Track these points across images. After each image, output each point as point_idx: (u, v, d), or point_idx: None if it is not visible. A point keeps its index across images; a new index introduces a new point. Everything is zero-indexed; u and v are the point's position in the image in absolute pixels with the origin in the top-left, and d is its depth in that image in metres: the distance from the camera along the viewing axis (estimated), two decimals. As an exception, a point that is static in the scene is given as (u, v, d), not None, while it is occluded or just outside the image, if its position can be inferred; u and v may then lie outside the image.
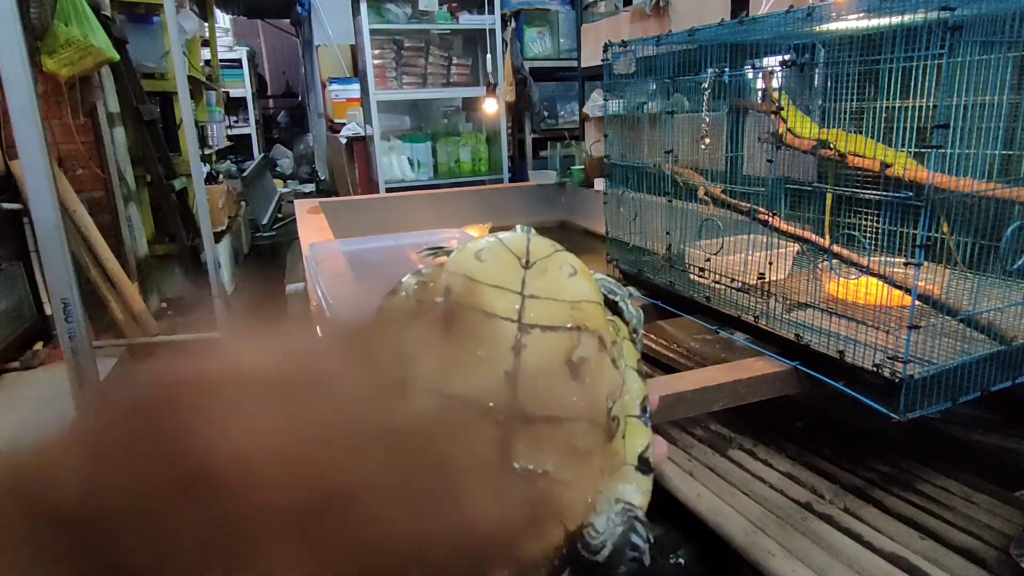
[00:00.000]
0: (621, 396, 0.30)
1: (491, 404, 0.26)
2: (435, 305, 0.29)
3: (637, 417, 0.30)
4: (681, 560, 1.10)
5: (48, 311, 2.43)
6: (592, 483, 0.27)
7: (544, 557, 0.26)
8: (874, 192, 1.00)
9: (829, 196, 1.13)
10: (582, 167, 3.58)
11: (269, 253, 4.50)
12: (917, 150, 0.94)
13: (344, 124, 4.84)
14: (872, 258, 1.07)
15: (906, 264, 0.99)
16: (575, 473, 0.26)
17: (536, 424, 0.26)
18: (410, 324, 0.29)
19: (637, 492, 0.29)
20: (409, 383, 0.27)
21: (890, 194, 0.97)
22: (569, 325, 0.29)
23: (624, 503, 0.28)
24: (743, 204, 1.30)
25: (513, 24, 4.17)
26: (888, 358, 0.99)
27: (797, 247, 1.26)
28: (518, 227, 0.33)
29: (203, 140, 3.94)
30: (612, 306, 0.33)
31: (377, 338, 0.30)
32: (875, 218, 1.03)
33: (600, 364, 0.28)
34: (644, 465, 0.29)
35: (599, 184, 3.31)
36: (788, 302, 1.23)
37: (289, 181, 7.54)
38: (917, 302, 0.97)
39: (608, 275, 0.35)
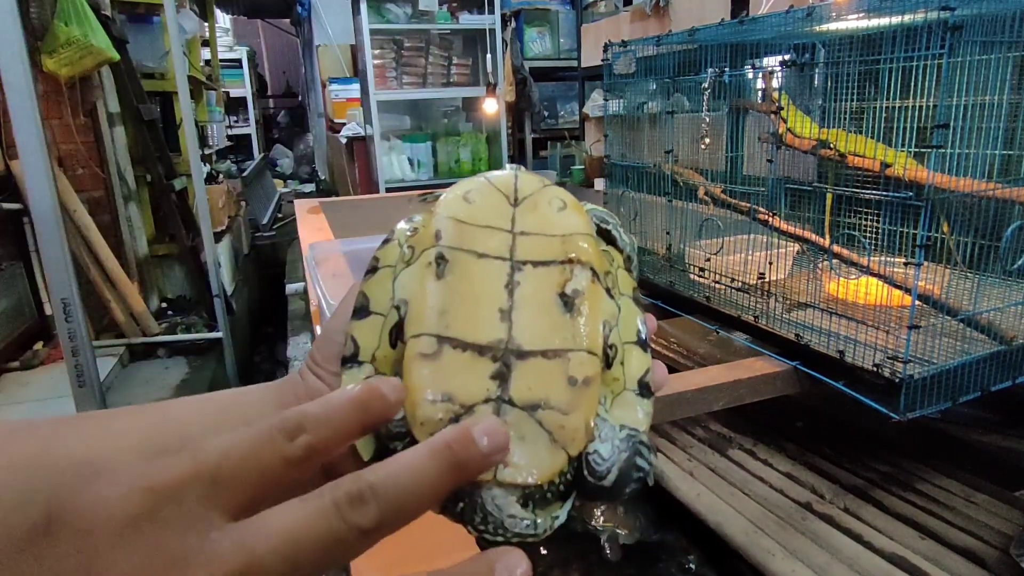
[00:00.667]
0: (617, 324, 0.30)
1: (488, 342, 0.27)
2: (427, 251, 0.29)
3: (635, 343, 0.30)
4: (691, 566, 1.10)
5: (48, 311, 2.43)
6: (591, 409, 0.27)
7: (549, 483, 0.26)
8: (874, 192, 1.00)
9: (829, 196, 1.13)
10: (582, 167, 3.59)
11: (269, 253, 4.50)
12: (917, 150, 0.94)
13: (344, 124, 4.85)
14: (872, 258, 1.07)
15: (906, 264, 0.99)
16: (573, 401, 0.27)
17: (533, 358, 0.27)
18: (404, 271, 0.30)
19: (640, 416, 0.29)
20: (408, 329, 0.28)
21: (890, 194, 0.97)
22: (561, 259, 0.29)
23: (628, 428, 0.28)
24: (743, 204, 1.30)
25: (513, 24, 4.17)
26: (888, 358, 0.99)
27: (797, 247, 1.26)
28: (507, 165, 0.34)
29: (203, 140, 3.94)
30: (606, 235, 0.33)
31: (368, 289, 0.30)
32: (875, 218, 1.03)
33: (594, 295, 0.29)
34: (644, 389, 0.30)
35: (599, 184, 3.31)
36: (788, 302, 1.23)
37: (289, 181, 7.54)
38: (917, 302, 0.97)
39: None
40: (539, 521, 0.26)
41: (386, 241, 0.32)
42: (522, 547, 0.23)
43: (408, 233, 0.31)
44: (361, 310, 0.30)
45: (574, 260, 0.29)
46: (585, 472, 0.27)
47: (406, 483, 0.21)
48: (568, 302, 0.28)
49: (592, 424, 0.27)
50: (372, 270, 0.31)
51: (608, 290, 0.30)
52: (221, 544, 0.18)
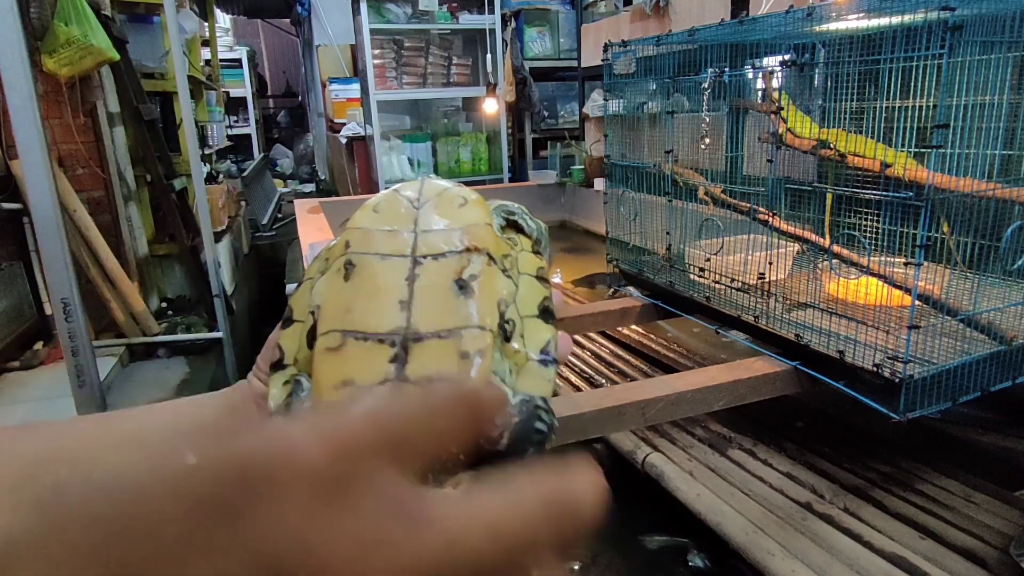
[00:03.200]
0: (515, 301, 0.32)
1: (388, 331, 0.29)
2: (338, 259, 0.32)
3: (536, 316, 0.32)
4: (700, 563, 1.10)
5: (48, 311, 2.43)
6: (482, 378, 0.28)
7: (443, 451, 0.27)
8: (874, 192, 1.00)
9: (829, 196, 1.13)
10: (582, 167, 3.58)
11: (269, 253, 4.50)
12: (917, 150, 0.94)
13: (344, 124, 4.84)
14: (872, 258, 1.07)
15: (906, 264, 0.99)
16: (463, 372, 0.28)
17: (428, 340, 0.29)
18: (319, 280, 0.33)
19: (542, 383, 0.31)
20: (319, 329, 0.30)
21: (890, 194, 0.97)
22: (459, 248, 0.31)
23: (523, 395, 0.30)
24: (743, 204, 1.30)
25: (513, 24, 4.17)
26: (888, 358, 0.99)
27: (797, 247, 1.26)
28: (420, 176, 0.37)
29: (203, 140, 3.94)
30: (515, 226, 0.36)
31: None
32: (875, 218, 1.03)
33: (489, 276, 0.31)
34: (546, 357, 0.32)
35: (599, 184, 3.31)
36: (788, 302, 1.23)
37: (289, 181, 7.54)
38: (917, 302, 0.97)
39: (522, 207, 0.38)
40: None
41: (315, 259, 0.35)
42: None
43: (330, 247, 0.34)
44: (287, 320, 0.33)
45: (471, 248, 0.31)
46: (481, 440, 0.28)
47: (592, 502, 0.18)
48: (464, 286, 0.30)
49: None
50: (299, 284, 0.35)
51: (506, 271, 0.32)
52: (426, 522, 0.16)
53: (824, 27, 1.12)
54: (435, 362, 0.28)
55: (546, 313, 0.33)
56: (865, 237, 1.05)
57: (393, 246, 0.32)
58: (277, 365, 0.32)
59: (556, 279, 2.81)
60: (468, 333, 0.29)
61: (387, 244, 0.32)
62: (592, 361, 1.74)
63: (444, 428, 0.20)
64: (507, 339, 0.31)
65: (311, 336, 0.31)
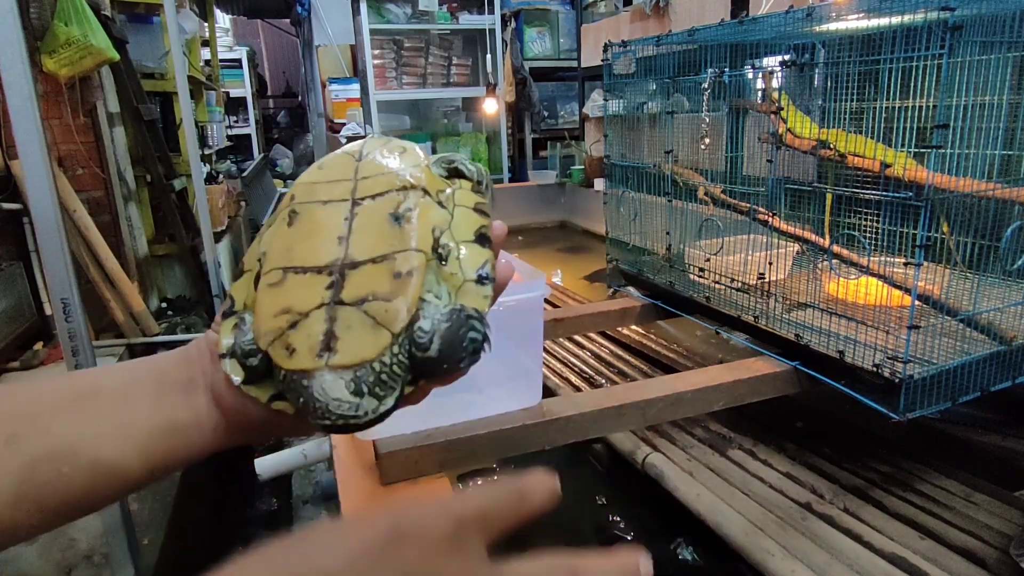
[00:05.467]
0: (449, 228, 0.33)
1: (325, 263, 0.30)
2: (283, 210, 0.34)
3: (472, 242, 0.34)
4: (689, 557, 1.10)
5: (48, 311, 2.42)
6: (413, 294, 0.30)
7: (381, 364, 0.29)
8: (874, 192, 1.00)
9: (829, 196, 1.13)
10: (582, 167, 3.58)
11: (269, 253, 4.49)
12: (917, 150, 0.94)
13: (344, 124, 4.84)
14: (872, 258, 1.07)
15: (906, 264, 0.99)
16: (396, 290, 0.30)
17: (363, 266, 0.30)
18: (266, 231, 0.35)
19: (476, 300, 0.32)
20: (263, 271, 0.32)
21: (890, 194, 0.97)
22: (396, 188, 0.33)
23: (453, 306, 0.31)
24: (743, 204, 1.30)
25: (513, 24, 4.17)
26: (888, 358, 0.99)
27: (797, 247, 1.26)
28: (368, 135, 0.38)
29: (203, 140, 3.94)
30: (458, 173, 0.37)
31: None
32: (875, 218, 1.03)
33: (424, 208, 0.33)
34: (483, 279, 0.33)
35: (599, 184, 3.31)
36: (788, 302, 1.24)
37: (289, 181, 7.53)
38: (917, 302, 0.97)
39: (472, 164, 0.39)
40: (362, 403, 0.29)
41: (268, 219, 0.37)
42: (354, 429, 0.29)
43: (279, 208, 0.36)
44: (238, 273, 0.35)
45: (406, 187, 0.33)
46: (412, 348, 0.30)
47: None
48: (399, 218, 0.32)
49: (415, 306, 0.30)
50: (252, 242, 0.36)
51: (442, 204, 0.34)
52: (499, 571, 0.26)
53: (824, 27, 1.12)
54: (369, 284, 0.30)
55: (483, 239, 0.34)
56: (865, 237, 1.05)
57: (334, 193, 0.33)
58: (228, 313, 0.34)
59: (556, 279, 2.81)
60: (401, 256, 0.31)
61: (329, 192, 0.34)
62: (592, 361, 1.74)
63: (511, 512, 0.28)
64: (443, 261, 0.32)
65: (257, 280, 0.33)
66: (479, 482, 1.17)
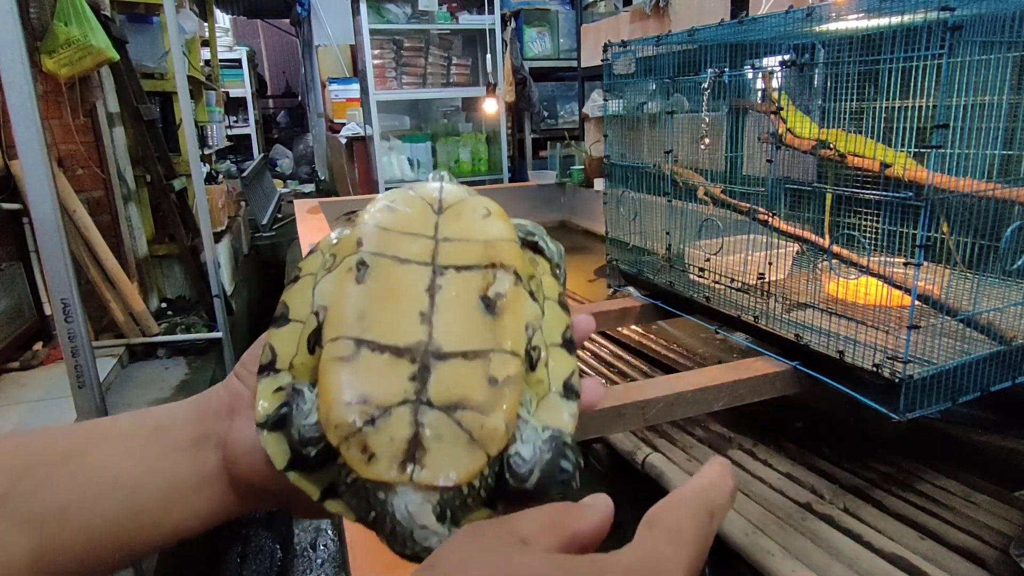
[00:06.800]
0: (541, 327, 0.29)
1: (407, 344, 0.26)
2: (348, 257, 0.29)
3: (559, 346, 0.30)
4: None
5: (48, 311, 2.43)
6: (512, 410, 0.26)
7: (469, 487, 0.26)
8: (874, 192, 1.00)
9: (829, 196, 1.13)
10: (582, 167, 3.58)
11: (269, 253, 4.50)
12: (917, 150, 0.94)
13: (344, 124, 4.85)
14: (872, 258, 1.07)
15: (906, 264, 0.99)
16: (493, 401, 0.26)
17: (453, 359, 0.26)
18: (324, 278, 0.29)
19: (565, 418, 0.29)
20: (325, 333, 0.27)
21: (890, 194, 0.97)
22: (484, 263, 0.29)
23: (552, 430, 0.28)
24: (743, 204, 1.30)
25: (513, 24, 4.17)
26: (888, 358, 0.99)
27: (797, 247, 1.26)
28: (431, 174, 0.34)
29: (203, 140, 3.94)
30: (533, 247, 0.34)
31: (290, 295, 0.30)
32: (875, 218, 1.03)
33: (517, 297, 0.29)
34: (570, 392, 0.29)
35: (599, 184, 3.31)
36: (788, 302, 1.23)
37: (289, 181, 7.54)
38: (917, 302, 0.97)
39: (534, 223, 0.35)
40: (446, 533, 0.25)
41: (311, 252, 0.32)
42: None
43: (332, 242, 0.31)
44: (280, 318, 0.30)
45: (497, 264, 0.29)
46: (507, 475, 0.26)
47: None
48: (490, 304, 0.28)
49: (513, 425, 0.26)
50: (294, 279, 0.31)
51: (532, 293, 0.30)
52: None
53: (824, 27, 1.12)
54: (460, 385, 0.26)
55: (569, 344, 0.30)
56: (865, 237, 1.05)
57: (413, 251, 0.29)
58: (267, 368, 0.29)
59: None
60: (496, 357, 0.27)
61: (406, 248, 0.29)
62: (592, 361, 1.74)
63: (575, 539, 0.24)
64: (532, 367, 0.28)
65: (313, 340, 0.28)
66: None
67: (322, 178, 7.00)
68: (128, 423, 0.31)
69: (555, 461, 0.27)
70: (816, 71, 1.20)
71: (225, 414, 0.31)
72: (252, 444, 0.28)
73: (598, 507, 0.24)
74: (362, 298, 0.27)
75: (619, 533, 0.27)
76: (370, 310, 0.27)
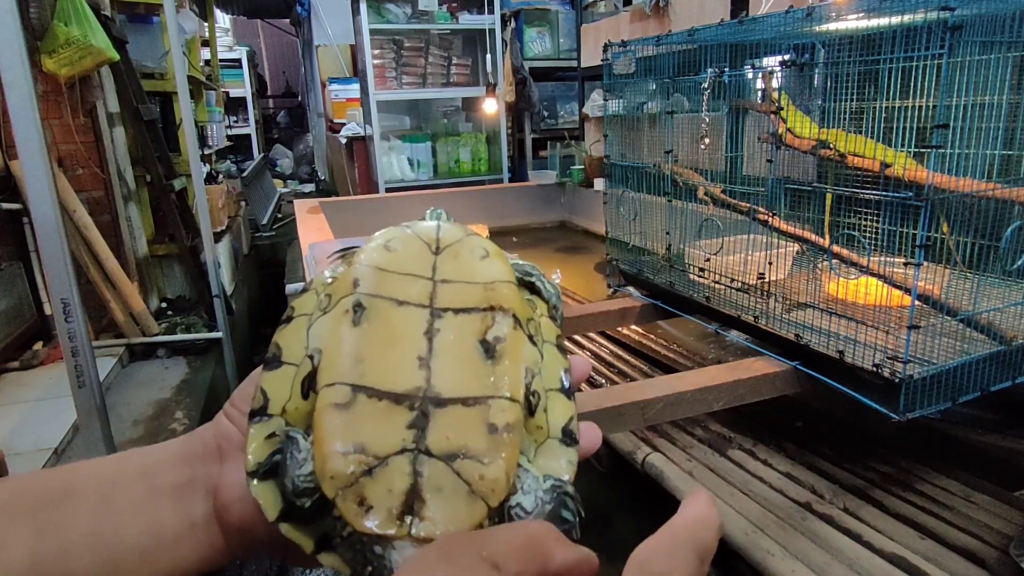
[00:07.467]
0: (540, 371, 0.29)
1: (405, 391, 0.26)
2: (344, 298, 0.28)
3: (558, 390, 0.30)
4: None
5: (48, 311, 2.43)
6: (512, 459, 0.26)
7: None
8: (874, 192, 1.00)
9: (829, 196, 1.13)
10: (582, 167, 3.58)
11: (269, 253, 4.50)
12: (917, 150, 0.94)
13: (344, 124, 4.85)
14: (872, 258, 1.07)
15: (906, 264, 0.99)
16: (493, 449, 0.25)
17: (452, 405, 0.26)
18: (319, 319, 0.29)
19: (564, 465, 0.28)
20: (321, 378, 0.27)
21: (890, 194, 0.97)
22: (483, 306, 0.28)
23: (553, 480, 0.27)
24: (743, 204, 1.30)
25: (513, 24, 4.17)
26: (888, 358, 0.99)
27: (797, 247, 1.26)
28: (428, 212, 0.33)
29: (203, 140, 3.94)
30: (530, 287, 0.33)
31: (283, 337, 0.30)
32: (875, 218, 1.03)
33: (516, 341, 0.28)
34: (569, 438, 0.29)
35: (599, 184, 3.31)
36: (788, 302, 1.23)
37: (289, 181, 7.54)
38: (917, 302, 0.97)
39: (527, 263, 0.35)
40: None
41: (304, 290, 0.31)
42: None
43: (327, 282, 0.31)
44: (273, 360, 0.29)
45: (496, 307, 0.28)
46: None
47: None
48: (489, 349, 0.27)
49: (514, 474, 0.26)
50: (287, 319, 0.30)
51: (531, 337, 0.29)
52: None
53: (824, 27, 1.12)
54: (460, 434, 0.25)
55: (568, 388, 0.30)
56: (865, 237, 1.05)
57: (411, 293, 0.28)
58: (259, 413, 0.28)
59: (556, 278, 2.81)
60: (496, 403, 0.26)
61: (403, 290, 0.28)
62: (592, 361, 1.74)
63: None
64: (531, 413, 0.28)
65: (307, 384, 0.27)
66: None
67: (322, 178, 7.00)
68: (110, 468, 0.30)
69: (556, 512, 0.26)
70: (816, 71, 1.20)
71: (214, 457, 0.30)
72: (243, 491, 0.27)
73: (581, 549, 0.23)
74: (359, 342, 0.27)
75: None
76: (367, 354, 0.26)
